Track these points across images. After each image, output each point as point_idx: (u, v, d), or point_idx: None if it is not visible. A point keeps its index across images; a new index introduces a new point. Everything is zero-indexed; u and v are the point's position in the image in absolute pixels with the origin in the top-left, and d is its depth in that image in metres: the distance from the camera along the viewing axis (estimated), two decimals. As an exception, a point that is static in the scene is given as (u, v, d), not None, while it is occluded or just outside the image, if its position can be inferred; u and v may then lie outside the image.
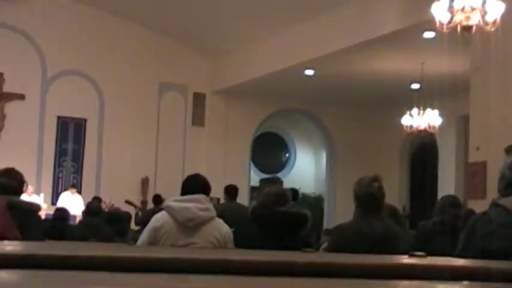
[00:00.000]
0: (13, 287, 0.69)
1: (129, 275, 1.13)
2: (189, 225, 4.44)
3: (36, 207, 4.98)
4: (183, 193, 4.61)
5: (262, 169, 23.80)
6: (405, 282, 1.24)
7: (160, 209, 4.77)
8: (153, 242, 4.46)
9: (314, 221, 5.54)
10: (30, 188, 15.20)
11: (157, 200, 13.24)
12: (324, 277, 1.35)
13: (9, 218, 3.94)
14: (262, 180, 22.55)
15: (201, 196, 4.54)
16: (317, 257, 2.01)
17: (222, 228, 4.62)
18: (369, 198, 4.30)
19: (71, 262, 1.22)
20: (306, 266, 1.43)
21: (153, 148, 18.49)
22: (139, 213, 14.20)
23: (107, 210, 9.54)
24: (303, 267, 1.42)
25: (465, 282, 1.40)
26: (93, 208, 8.63)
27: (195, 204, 4.47)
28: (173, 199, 4.61)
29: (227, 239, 4.59)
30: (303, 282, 1.19)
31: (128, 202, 14.14)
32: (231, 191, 10.34)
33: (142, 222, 8.79)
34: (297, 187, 11.18)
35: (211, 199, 4.71)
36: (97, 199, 12.63)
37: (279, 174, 23.84)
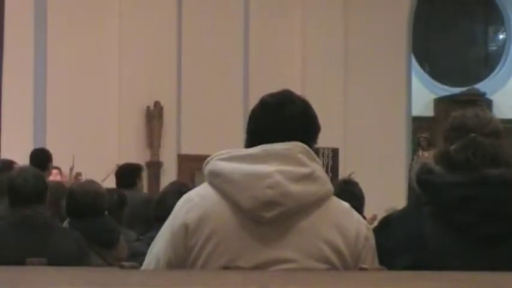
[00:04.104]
0: None
1: None
2: (268, 218, 2.54)
3: None
4: (251, 140, 2.69)
5: (439, 75, 15.39)
6: None
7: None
8: (181, 259, 2.58)
9: None
10: None
11: None
12: None
13: None
14: (439, 101, 15.19)
15: (294, 146, 2.59)
16: None
17: (347, 221, 2.65)
18: None
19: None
20: None
21: (172, 41, 15.23)
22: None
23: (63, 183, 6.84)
24: None
25: None
26: (27, 182, 4.66)
27: (281, 167, 2.55)
28: (226, 154, 2.63)
29: (361, 246, 2.63)
30: None
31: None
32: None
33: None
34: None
35: (317, 152, 2.64)
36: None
37: (481, 86, 15.42)
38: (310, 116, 2.70)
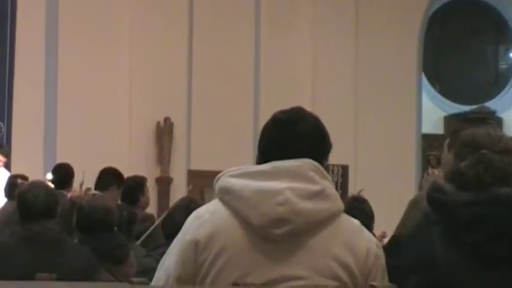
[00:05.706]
0: None
1: None
2: (278, 235, 2.49)
3: None
4: (263, 156, 2.62)
5: (449, 93, 15.26)
6: None
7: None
8: (190, 275, 2.53)
9: None
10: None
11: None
12: None
13: None
14: (449, 119, 14.96)
15: (304, 163, 2.54)
16: None
17: (357, 239, 2.59)
18: None
19: None
20: None
21: (183, 57, 15.14)
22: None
23: (73, 199, 6.46)
24: None
25: None
26: (38, 198, 4.72)
27: (292, 184, 2.50)
28: (237, 171, 2.58)
29: (371, 264, 2.56)
30: None
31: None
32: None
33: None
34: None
35: (327, 169, 2.59)
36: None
37: (491, 104, 15.29)
38: (322, 134, 2.65)
